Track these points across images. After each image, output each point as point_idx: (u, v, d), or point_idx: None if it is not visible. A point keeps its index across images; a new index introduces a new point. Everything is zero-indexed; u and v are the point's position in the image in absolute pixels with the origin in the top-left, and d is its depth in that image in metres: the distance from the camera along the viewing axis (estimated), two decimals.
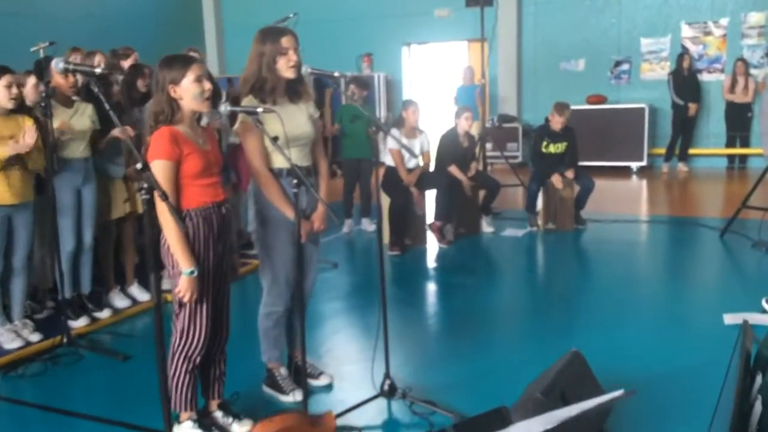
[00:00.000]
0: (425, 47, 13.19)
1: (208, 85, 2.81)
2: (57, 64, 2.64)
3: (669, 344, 4.03)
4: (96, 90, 2.43)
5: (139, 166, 2.12)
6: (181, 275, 2.73)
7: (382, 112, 12.09)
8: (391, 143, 6.45)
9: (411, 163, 6.59)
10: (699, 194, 9.49)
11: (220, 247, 2.94)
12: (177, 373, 2.93)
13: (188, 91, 2.76)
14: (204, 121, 5.17)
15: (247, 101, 3.11)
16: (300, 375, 3.25)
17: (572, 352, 3.03)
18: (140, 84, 4.95)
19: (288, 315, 3.48)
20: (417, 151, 6.58)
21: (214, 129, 5.30)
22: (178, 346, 2.91)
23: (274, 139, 2.82)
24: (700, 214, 7.85)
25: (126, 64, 5.22)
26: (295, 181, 2.76)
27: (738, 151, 10.68)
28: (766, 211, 5.72)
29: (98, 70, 2.60)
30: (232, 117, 3.42)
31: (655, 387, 3.37)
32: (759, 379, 2.37)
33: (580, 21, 11.47)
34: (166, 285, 3.44)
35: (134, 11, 11.95)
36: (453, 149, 6.81)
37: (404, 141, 6.50)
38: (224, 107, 2.84)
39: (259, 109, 2.83)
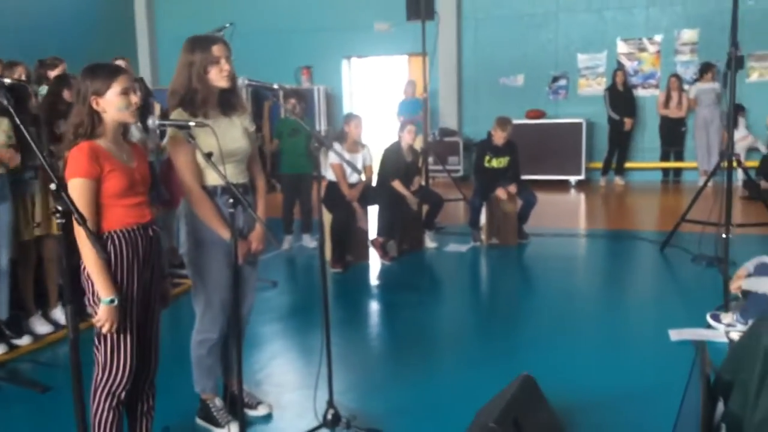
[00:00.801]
0: (366, 61, 13.10)
1: (135, 98, 2.59)
2: None
3: (618, 363, 3.96)
4: (5, 102, 2.19)
5: (53, 186, 1.89)
6: (101, 304, 2.50)
7: (322, 126, 11.92)
8: (332, 158, 6.29)
9: (353, 178, 6.43)
10: (636, 207, 9.63)
11: (147, 273, 2.71)
12: (99, 410, 2.67)
13: (113, 104, 2.54)
14: (137, 137, 4.93)
15: (177, 114, 2.90)
16: (236, 405, 3.04)
17: (523, 376, 2.91)
18: (66, 95, 4.66)
19: (223, 341, 3.26)
20: (359, 165, 6.44)
21: (146, 147, 5.07)
22: (101, 380, 2.66)
23: (208, 155, 2.61)
24: (638, 227, 7.93)
25: (53, 74, 4.91)
26: (230, 199, 2.56)
27: (672, 165, 10.92)
28: (704, 225, 5.77)
29: (7, 81, 2.35)
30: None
31: (606, 411, 3.28)
32: (721, 405, 2.28)
33: (519, 37, 11.58)
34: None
35: (63, 21, 11.48)
36: (396, 164, 6.69)
37: (346, 155, 6.35)
38: (152, 121, 2.63)
39: (191, 123, 2.63)
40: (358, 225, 6.40)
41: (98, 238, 2.52)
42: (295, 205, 7.05)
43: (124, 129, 2.68)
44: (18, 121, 2.17)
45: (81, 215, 1.92)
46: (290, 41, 12.70)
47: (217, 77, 2.93)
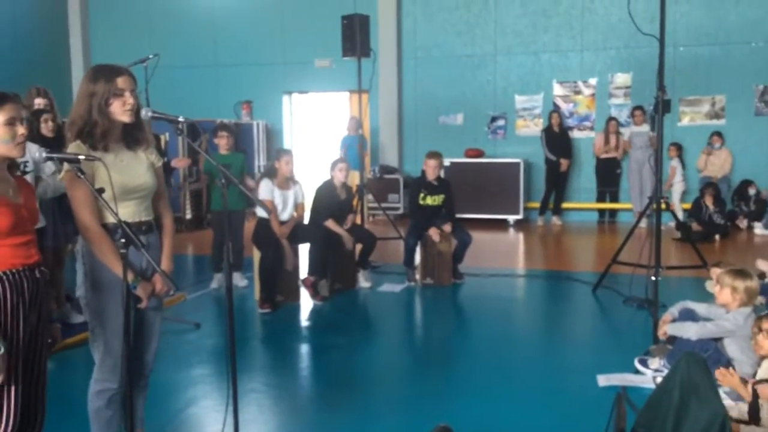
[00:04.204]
0: (307, 96, 13.02)
1: (21, 130, 2.40)
2: None
3: (544, 411, 3.85)
4: None
5: None
6: None
7: (260, 161, 11.74)
8: (263, 193, 6.11)
9: (284, 215, 6.26)
10: (572, 248, 9.68)
11: (34, 318, 2.49)
12: None
13: None
14: (50, 170, 4.68)
15: (74, 147, 2.70)
16: None
17: (441, 427, 2.76)
18: None
19: (124, 392, 3.01)
20: (290, 202, 6.28)
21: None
22: None
23: (99, 191, 2.42)
24: (573, 268, 7.94)
25: None
26: (122, 239, 2.36)
27: (608, 205, 11.08)
28: (635, 267, 5.78)
29: None
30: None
31: None
32: None
33: (458, 77, 11.69)
34: None
35: None
36: (329, 201, 6.55)
37: (277, 192, 6.20)
38: (39, 153, 2.42)
39: (81, 157, 2.44)
40: (287, 264, 6.19)
41: None
42: (225, 242, 6.81)
43: (10, 162, 2.47)
44: None
45: None
46: (230, 75, 12.58)
47: (120, 111, 2.74)
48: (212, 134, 7.07)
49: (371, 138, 11.85)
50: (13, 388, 2.41)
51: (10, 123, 2.37)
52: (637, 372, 4.29)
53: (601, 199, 11.08)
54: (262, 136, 12.07)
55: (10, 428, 2.43)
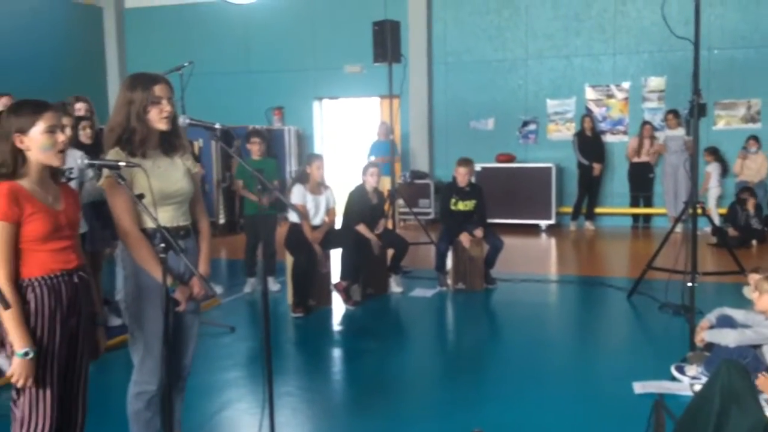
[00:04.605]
0: (337, 102, 13.09)
1: (62, 137, 2.45)
2: None
3: (579, 418, 3.82)
4: None
5: None
6: (14, 356, 2.32)
7: (291, 167, 11.82)
8: (295, 198, 6.16)
9: (316, 220, 6.30)
10: (606, 253, 9.58)
11: (73, 322, 2.53)
12: None
13: (36, 142, 2.39)
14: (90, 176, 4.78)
15: (114, 154, 2.75)
16: None
17: None
18: None
19: (163, 394, 3.06)
20: (322, 207, 6.31)
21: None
22: None
23: (139, 197, 2.46)
24: (607, 273, 7.86)
25: None
26: (162, 244, 2.40)
27: (642, 210, 10.94)
28: (671, 273, 5.70)
29: None
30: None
31: None
32: None
33: (489, 82, 11.65)
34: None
35: (32, 58, 11.35)
36: (361, 206, 6.57)
37: (309, 197, 6.24)
38: (80, 160, 2.47)
39: (122, 163, 2.49)
40: (320, 268, 6.23)
41: (17, 285, 2.36)
42: (258, 247, 6.88)
43: (54, 170, 2.52)
44: None
45: None
46: (262, 82, 12.69)
47: (157, 118, 2.79)
48: (245, 140, 7.14)
49: (402, 143, 11.87)
50: (48, 391, 2.46)
51: (51, 131, 2.42)
52: (673, 379, 4.23)
53: (634, 203, 10.94)
54: (293, 141, 12.15)
55: (47, 429, 2.48)
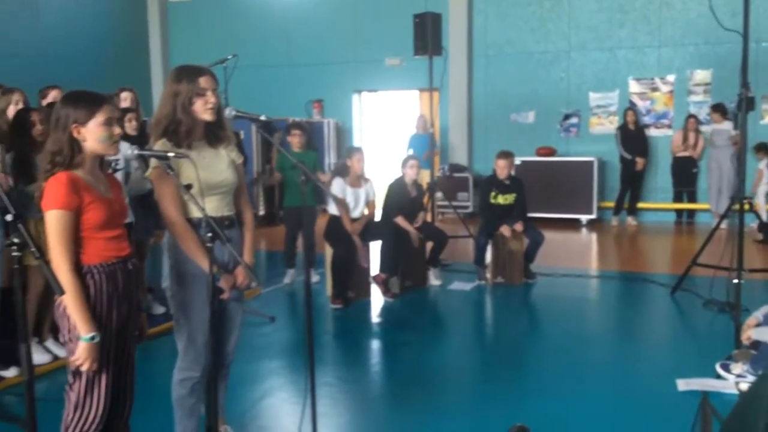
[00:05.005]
0: (376, 95, 13.10)
1: (117, 129, 2.50)
2: None
3: (622, 414, 3.78)
4: None
5: (9, 217, 1.78)
6: (79, 341, 2.38)
7: (330, 159, 11.87)
8: (335, 191, 6.19)
9: (356, 213, 6.32)
10: (648, 249, 9.43)
11: (125, 307, 2.60)
12: None
13: (94, 134, 2.45)
14: (134, 167, 4.87)
15: (160, 145, 2.80)
16: None
17: (518, 427, 2.75)
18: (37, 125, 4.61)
19: (207, 381, 3.11)
20: (362, 200, 6.33)
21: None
22: (71, 420, 2.54)
23: (187, 187, 2.50)
24: (649, 269, 7.73)
25: (45, 102, 4.88)
26: (209, 233, 2.44)
27: (686, 206, 10.74)
28: (716, 269, 5.59)
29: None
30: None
31: None
32: None
33: (530, 74, 11.53)
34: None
35: (75, 49, 11.59)
36: (400, 199, 6.57)
37: (349, 190, 6.26)
38: (131, 150, 2.52)
39: (170, 154, 2.53)
40: (358, 261, 6.25)
41: (78, 272, 2.42)
42: (298, 238, 6.94)
43: (101, 160, 2.58)
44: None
45: (38, 248, 1.82)
46: (302, 75, 12.75)
47: (202, 110, 2.83)
48: (285, 132, 7.19)
49: (441, 137, 11.83)
50: (104, 375, 2.53)
51: (108, 123, 2.47)
52: (718, 377, 4.15)
53: (678, 199, 10.74)
54: (332, 134, 12.21)
55: (100, 412, 2.55)
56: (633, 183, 10.68)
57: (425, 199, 7.22)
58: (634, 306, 6.33)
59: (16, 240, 1.79)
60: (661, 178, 10.91)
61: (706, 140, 10.35)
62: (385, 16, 12.07)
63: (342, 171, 6.34)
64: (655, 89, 10.98)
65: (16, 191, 4.17)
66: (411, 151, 10.71)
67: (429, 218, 7.73)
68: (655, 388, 4.11)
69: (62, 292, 1.97)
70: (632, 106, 10.87)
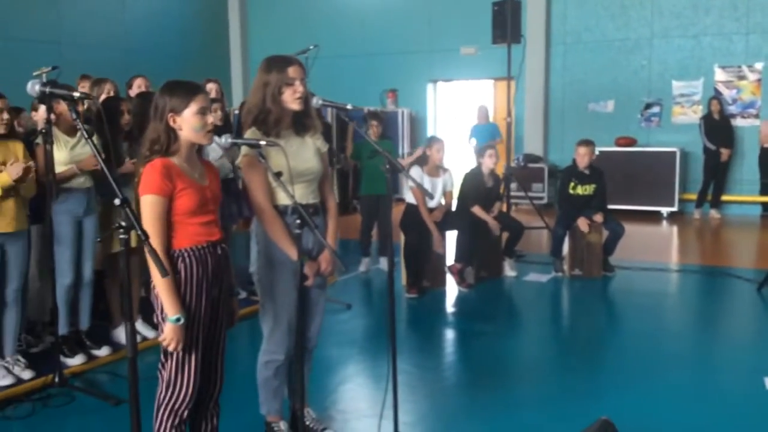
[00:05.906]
0: (451, 84, 13.04)
1: (211, 119, 2.59)
2: (32, 88, 2.42)
3: (707, 413, 3.67)
4: (75, 117, 2.21)
5: (117, 202, 1.88)
6: (167, 322, 2.49)
7: (404, 149, 11.90)
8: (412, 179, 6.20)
9: (433, 202, 6.32)
10: (733, 243, 9.09)
11: (216, 291, 2.69)
12: (162, 429, 2.66)
13: (189, 123, 2.54)
14: (218, 154, 5.00)
15: (250, 133, 2.89)
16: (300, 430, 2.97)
17: (602, 420, 2.72)
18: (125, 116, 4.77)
19: (290, 363, 3.20)
20: (439, 189, 6.31)
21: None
22: (164, 398, 2.65)
23: (277, 175, 2.57)
24: (734, 264, 7.46)
25: (132, 92, 5.07)
26: (298, 220, 2.51)
27: None
28: None
29: (76, 95, 2.36)
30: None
31: None
32: None
33: (610, 62, 11.25)
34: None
35: (160, 41, 11.98)
36: (477, 189, 6.54)
37: (426, 179, 6.25)
38: (225, 139, 2.61)
39: (262, 142, 2.61)
40: (435, 250, 6.26)
41: (169, 255, 2.52)
42: (374, 227, 7.00)
43: (198, 147, 2.67)
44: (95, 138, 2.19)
45: (144, 232, 1.91)
46: (377, 64, 12.80)
47: (291, 99, 2.90)
48: (361, 122, 7.25)
49: (515, 126, 11.69)
50: (194, 356, 2.63)
51: (202, 112, 2.56)
52: None
53: (764, 192, 10.29)
54: (406, 124, 12.24)
55: (191, 391, 2.65)
56: (717, 174, 10.30)
57: (501, 189, 7.16)
58: (717, 301, 6.13)
59: (123, 223, 1.88)
60: (747, 169, 10.48)
61: None
62: (460, 5, 11.98)
63: (421, 160, 6.35)
64: (742, 77, 10.54)
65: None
66: (474, 141, 10.65)
67: (504, 209, 7.66)
68: (741, 386, 3.99)
69: (166, 273, 2.07)
70: (717, 95, 10.47)
